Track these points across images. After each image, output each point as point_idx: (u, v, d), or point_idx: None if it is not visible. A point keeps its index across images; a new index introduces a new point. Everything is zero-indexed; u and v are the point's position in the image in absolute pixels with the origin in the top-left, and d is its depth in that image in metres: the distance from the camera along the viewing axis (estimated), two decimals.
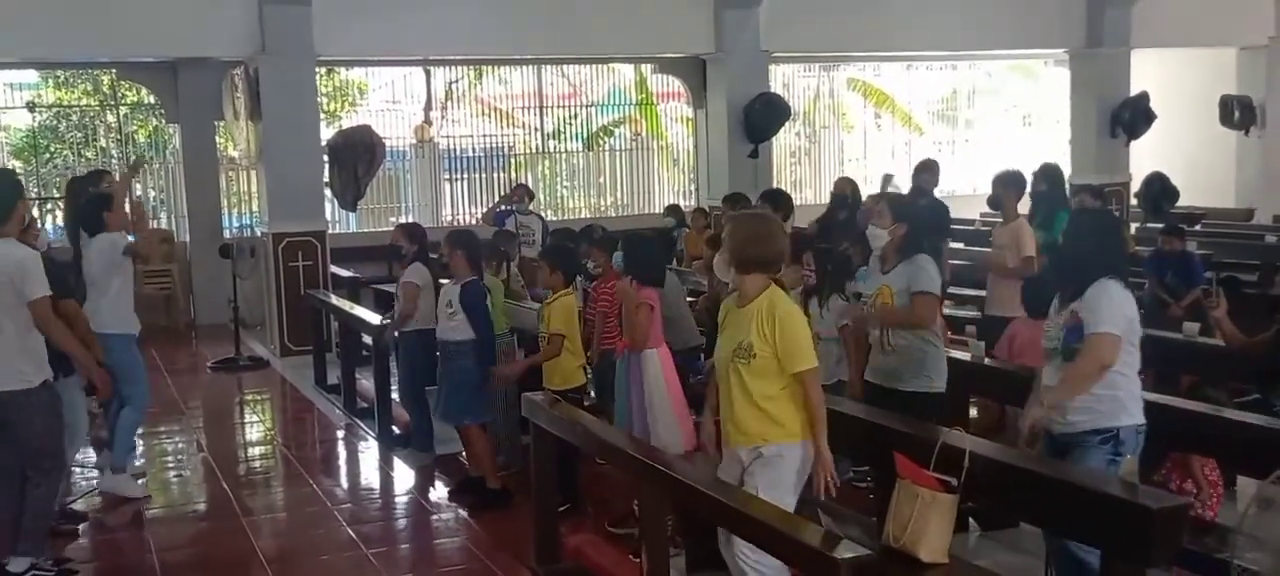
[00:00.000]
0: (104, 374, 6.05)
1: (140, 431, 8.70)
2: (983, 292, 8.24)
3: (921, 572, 4.10)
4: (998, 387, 6.50)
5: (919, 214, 5.63)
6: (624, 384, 6.18)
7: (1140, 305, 8.52)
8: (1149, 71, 15.93)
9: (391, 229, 8.62)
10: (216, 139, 14.43)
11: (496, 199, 12.67)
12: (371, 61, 15.46)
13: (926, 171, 9.79)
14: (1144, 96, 15.03)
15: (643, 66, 17.49)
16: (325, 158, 11.99)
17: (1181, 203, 13.32)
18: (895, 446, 4.46)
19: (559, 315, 6.52)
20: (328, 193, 12.48)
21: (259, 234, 12.25)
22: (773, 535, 3.63)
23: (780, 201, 8.67)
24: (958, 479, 4.23)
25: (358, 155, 11.93)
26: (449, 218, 16.58)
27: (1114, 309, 4.37)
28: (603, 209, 17.63)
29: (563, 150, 18.53)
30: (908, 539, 4.26)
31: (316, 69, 12.19)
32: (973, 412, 7.45)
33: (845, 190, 9.94)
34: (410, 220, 9.49)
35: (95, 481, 7.46)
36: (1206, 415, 5.12)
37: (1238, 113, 16.32)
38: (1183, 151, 15.96)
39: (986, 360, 6.64)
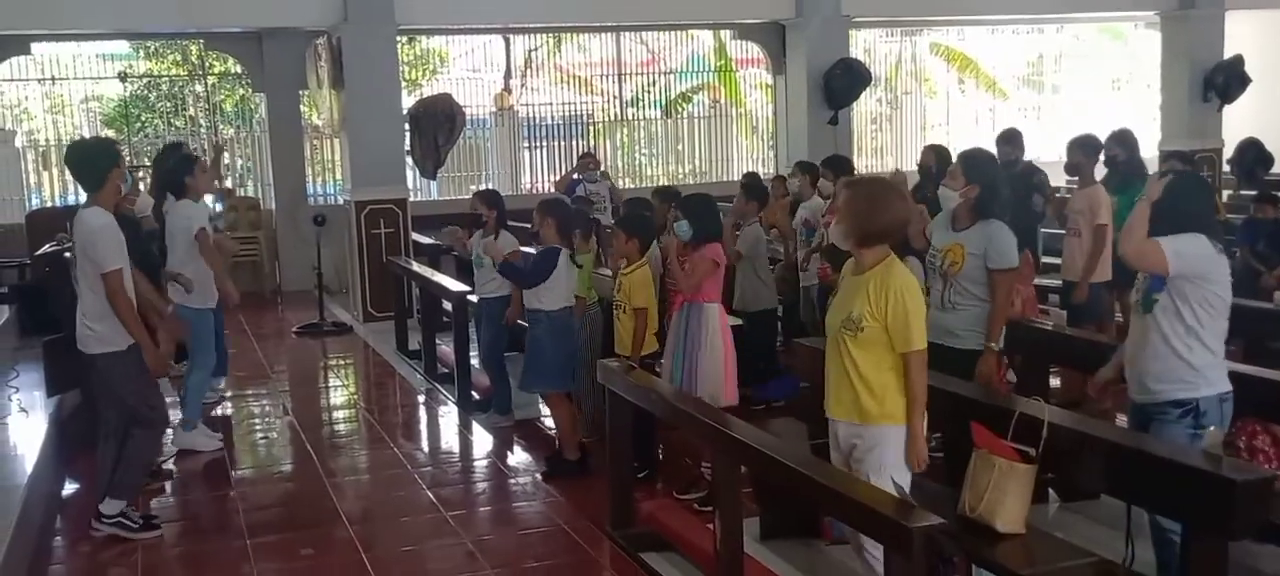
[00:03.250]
0: (159, 356, 6.02)
1: (227, 393, 8.97)
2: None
3: (998, 543, 4.06)
4: (1079, 357, 6.34)
5: (993, 175, 5.49)
6: (679, 337, 6.21)
7: (1232, 274, 8.34)
8: (1245, 33, 15.44)
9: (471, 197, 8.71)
10: (301, 108, 14.67)
11: (570, 167, 12.70)
12: (451, 30, 15.57)
13: (1009, 142, 9.29)
14: (1239, 60, 14.59)
15: (721, 33, 17.39)
16: (406, 126, 12.12)
17: (1276, 169, 12.94)
18: (971, 416, 4.41)
19: (640, 287, 6.53)
20: (409, 161, 12.63)
21: (342, 202, 12.44)
22: (844, 502, 3.62)
23: (843, 168, 8.60)
24: (1036, 449, 4.18)
25: (438, 123, 12.02)
26: (528, 186, 16.68)
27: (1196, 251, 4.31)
28: (681, 176, 17.60)
29: (641, 118, 18.52)
30: (984, 509, 4.23)
31: (397, 38, 12.32)
32: (1055, 382, 7.36)
33: (929, 161, 9.69)
34: (489, 187, 9.59)
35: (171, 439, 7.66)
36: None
37: None
38: (1276, 116, 15.45)
39: (1068, 330, 6.55)
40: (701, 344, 6.07)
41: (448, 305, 9.03)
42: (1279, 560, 4.65)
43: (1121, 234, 4.43)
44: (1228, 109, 14.81)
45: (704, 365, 6.03)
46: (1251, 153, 12.43)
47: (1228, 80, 14.52)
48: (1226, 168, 13.86)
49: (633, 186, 15.39)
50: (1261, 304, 6.80)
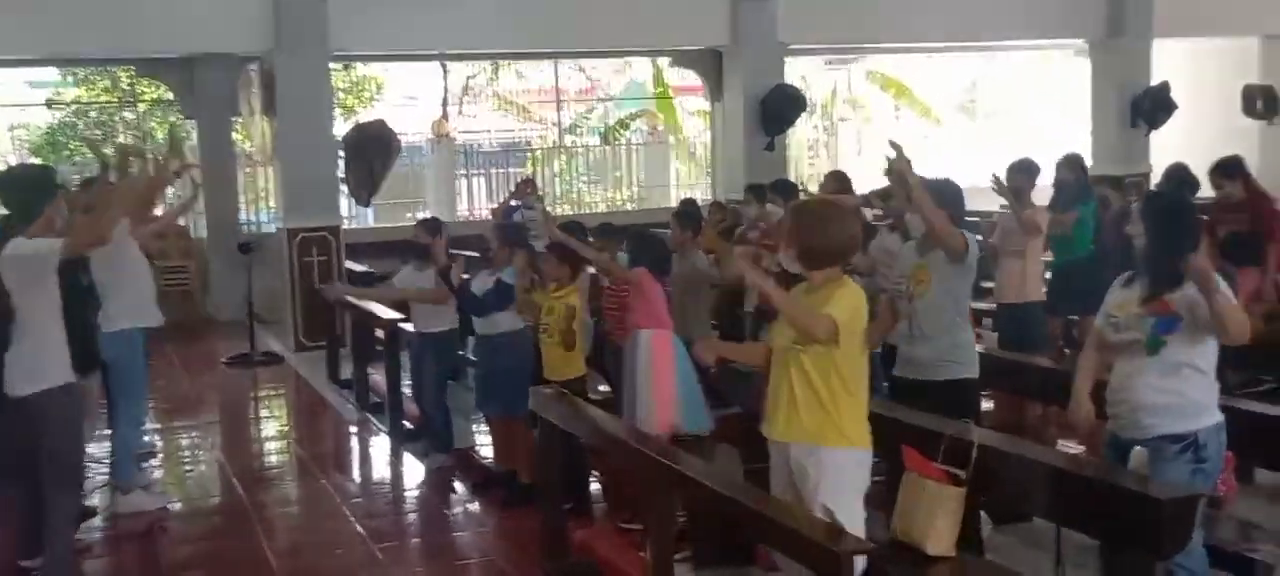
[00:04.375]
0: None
1: (150, 428, 8.71)
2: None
3: (928, 566, 4.04)
4: (1015, 381, 6.34)
5: (955, 195, 5.39)
6: (627, 367, 6.19)
7: None
8: (1170, 61, 15.75)
9: (412, 225, 8.62)
10: (233, 135, 14.47)
11: (508, 194, 12.61)
12: (386, 56, 15.47)
13: (1022, 172, 7.88)
14: (1165, 86, 14.86)
15: (660, 60, 17.44)
16: (340, 153, 11.99)
17: (1202, 193, 13.14)
18: (903, 438, 4.39)
19: (566, 309, 6.49)
20: (344, 188, 12.49)
21: (274, 230, 12.27)
22: (771, 527, 3.57)
23: (789, 192, 8.61)
24: (966, 471, 4.17)
25: (373, 150, 11.92)
26: (466, 213, 16.58)
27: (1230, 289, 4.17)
28: (619, 203, 17.61)
29: (579, 145, 18.51)
30: (915, 532, 4.21)
31: (332, 64, 12.20)
32: (987, 406, 7.40)
33: (831, 187, 9.58)
34: (429, 215, 9.45)
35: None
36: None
37: (1260, 103, 16.09)
38: (1204, 142, 15.67)
39: (1000, 353, 6.59)
40: (635, 372, 6.05)
41: (380, 333, 8.89)
42: None
43: (1235, 320, 4.09)
44: (1155, 134, 15.07)
45: (638, 392, 6.00)
46: (1178, 177, 12.57)
47: (1155, 106, 14.78)
48: None
49: (572, 213, 15.32)
50: None
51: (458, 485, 7.29)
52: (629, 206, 17.17)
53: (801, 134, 19.49)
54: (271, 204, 14.34)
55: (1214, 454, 4.17)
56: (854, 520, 3.97)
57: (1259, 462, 5.19)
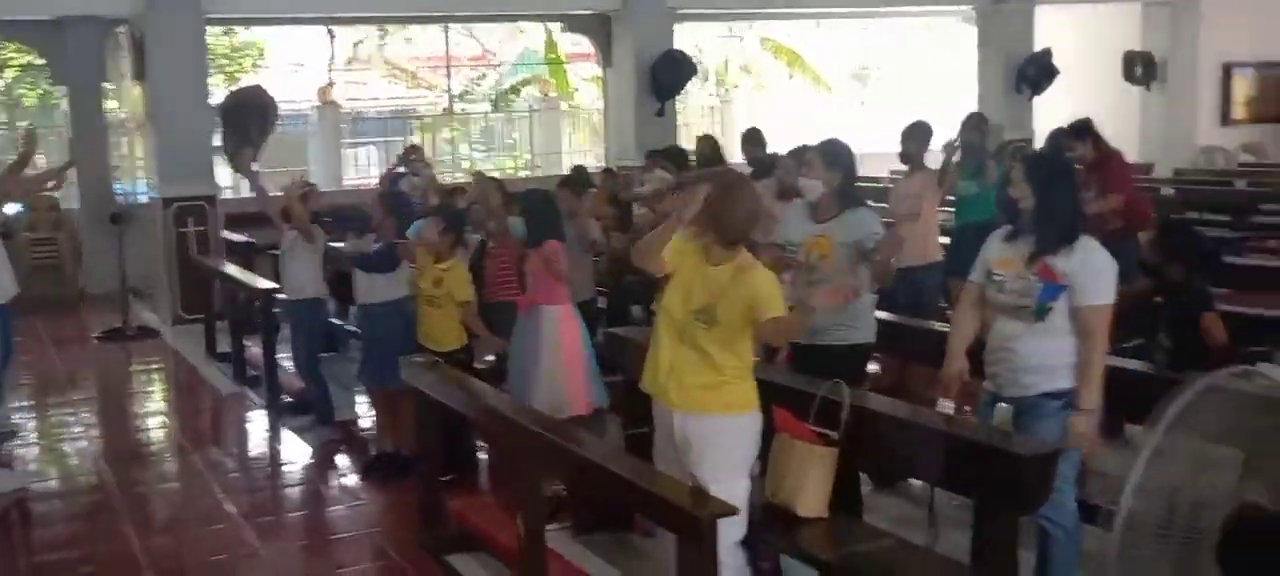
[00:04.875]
0: None
1: (16, 407, 8.36)
2: None
3: (799, 528, 4.02)
4: (904, 344, 6.30)
5: (850, 159, 5.27)
6: (520, 342, 6.07)
7: None
8: (1054, 27, 16.03)
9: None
10: (108, 102, 13.91)
11: (394, 161, 12.33)
12: (265, 20, 14.99)
13: (916, 136, 7.91)
14: (1047, 52, 15.14)
15: (552, 25, 17.23)
16: (216, 119, 11.58)
17: None
18: (775, 400, 4.34)
19: (463, 281, 6.34)
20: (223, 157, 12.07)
21: (148, 200, 11.84)
22: (640, 495, 3.50)
23: (679, 160, 8.52)
24: (837, 432, 4.16)
25: (250, 117, 11.52)
26: (353, 181, 16.22)
27: (1111, 279, 4.15)
28: (512, 171, 17.41)
29: (471, 112, 18.24)
30: (785, 494, 4.19)
31: (210, 28, 11.77)
32: (872, 368, 7.42)
33: (704, 150, 9.46)
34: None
35: None
36: None
37: (1140, 68, 16.52)
38: (1086, 107, 15.94)
39: (885, 315, 6.56)
40: (539, 350, 5.91)
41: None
42: (1097, 538, 4.71)
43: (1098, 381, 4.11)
44: (1038, 100, 15.34)
45: (544, 372, 5.86)
46: (1058, 141, 12.85)
47: (1038, 72, 15.05)
48: None
49: (462, 181, 15.05)
50: None
51: (339, 458, 7.12)
52: (523, 173, 16.98)
53: (696, 100, 19.45)
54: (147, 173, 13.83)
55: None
56: (735, 488, 3.91)
57: (1128, 418, 5.25)
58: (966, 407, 4.52)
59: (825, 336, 5.11)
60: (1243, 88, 17.53)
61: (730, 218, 3.94)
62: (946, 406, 4.30)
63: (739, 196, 3.99)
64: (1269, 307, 6.88)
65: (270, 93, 11.99)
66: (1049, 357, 4.13)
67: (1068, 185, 4.29)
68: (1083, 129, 8.28)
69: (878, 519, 5.39)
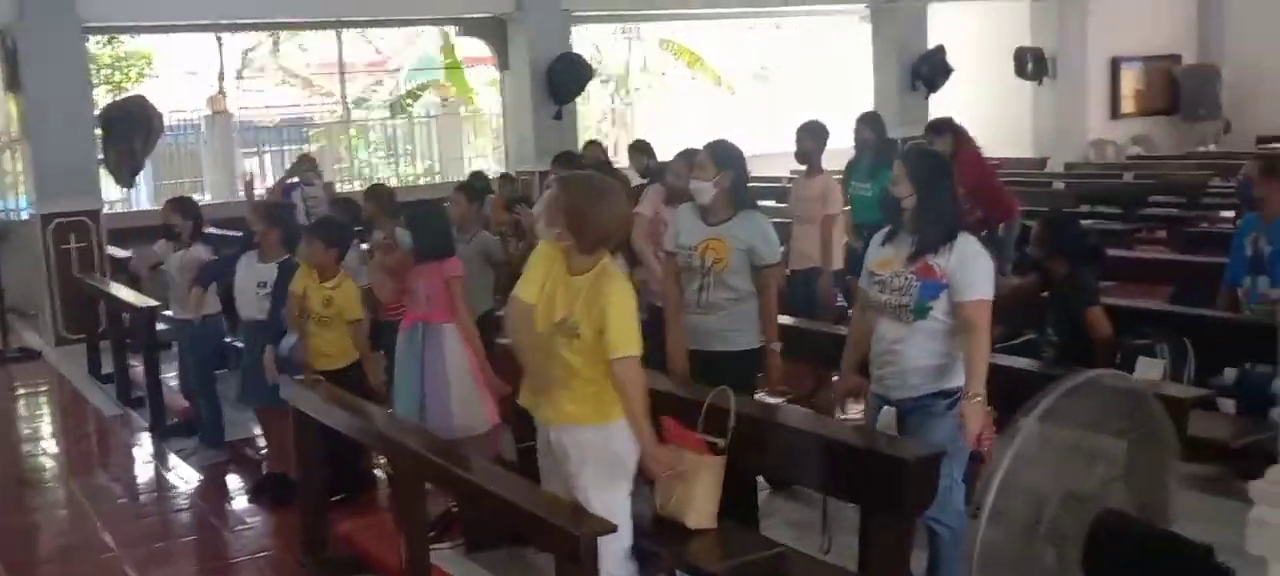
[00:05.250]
0: None
1: None
2: None
3: (687, 540, 3.93)
4: (808, 349, 6.16)
5: (740, 159, 5.14)
6: (408, 359, 5.85)
7: None
8: (947, 25, 16.26)
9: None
10: None
11: (286, 171, 12.01)
12: (147, 28, 14.51)
13: (811, 134, 7.68)
14: (940, 49, 15.34)
15: (449, 29, 17.01)
16: (97, 131, 11.20)
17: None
18: (663, 409, 4.25)
19: (354, 299, 6.13)
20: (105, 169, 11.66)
21: (27, 217, 11.40)
22: (514, 511, 3.39)
23: (572, 164, 8.41)
24: (724, 440, 4.08)
25: (134, 127, 11.18)
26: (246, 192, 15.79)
27: (988, 272, 4.14)
28: (412, 177, 17.15)
29: (369, 118, 17.93)
30: (675, 505, 4.10)
31: (92, 37, 11.35)
32: None
33: (593, 155, 9.16)
34: (182, 195, 8.68)
35: None
36: None
37: (1031, 64, 16.81)
38: (980, 103, 16.32)
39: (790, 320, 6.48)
40: (445, 370, 5.67)
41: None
42: None
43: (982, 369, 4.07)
44: (934, 97, 15.53)
45: (455, 391, 5.63)
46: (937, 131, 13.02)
47: (932, 69, 15.24)
48: None
49: (360, 190, 14.77)
50: None
51: (226, 481, 6.88)
52: (423, 181, 16.72)
53: (598, 104, 19.37)
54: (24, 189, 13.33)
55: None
56: (616, 498, 3.81)
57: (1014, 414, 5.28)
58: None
59: (716, 342, 5.05)
60: (1131, 81, 17.96)
61: (592, 223, 3.76)
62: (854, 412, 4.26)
63: (602, 201, 3.80)
64: (1156, 299, 7.03)
65: (154, 103, 11.70)
66: (934, 357, 4.10)
67: (948, 182, 4.26)
68: (942, 125, 8.69)
69: (774, 524, 5.35)
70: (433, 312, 5.73)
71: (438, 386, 5.64)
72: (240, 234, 8.36)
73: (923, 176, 4.21)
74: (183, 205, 7.50)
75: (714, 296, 4.99)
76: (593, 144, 9.38)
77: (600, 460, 3.82)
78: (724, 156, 5.09)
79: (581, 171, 7.56)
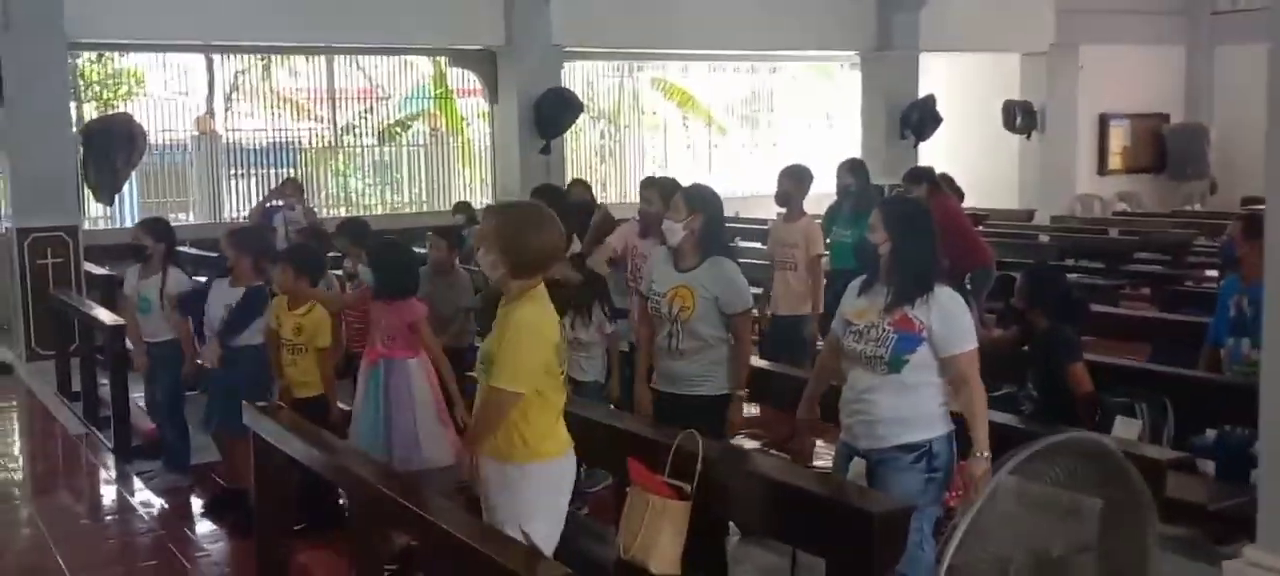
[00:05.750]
0: None
1: None
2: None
3: None
4: (789, 396, 6.10)
5: (715, 203, 5.11)
6: (371, 393, 5.70)
7: None
8: (937, 75, 16.30)
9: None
10: None
11: (267, 194, 11.91)
12: (139, 46, 14.45)
13: (792, 178, 7.71)
14: (931, 99, 15.35)
15: (441, 60, 16.98)
16: (79, 147, 11.10)
17: (967, 204, 13.58)
18: (632, 451, 4.17)
19: (324, 327, 6.03)
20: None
21: (3, 230, 11.28)
22: (468, 554, 3.28)
23: (554, 198, 8.31)
24: (691, 485, 3.98)
25: (116, 145, 11.10)
26: (231, 214, 15.70)
27: (970, 323, 4.10)
28: (398, 205, 17.08)
29: (357, 145, 17.85)
30: (637, 549, 4.00)
31: (87, 55, 11.27)
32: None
33: (577, 193, 8.96)
34: (155, 216, 8.51)
35: None
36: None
37: (1020, 117, 16.86)
38: (969, 153, 16.36)
39: (766, 364, 6.38)
40: (408, 404, 5.58)
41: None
42: None
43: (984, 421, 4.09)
44: (922, 146, 15.54)
45: (422, 425, 5.56)
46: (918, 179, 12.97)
47: (922, 118, 15.24)
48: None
49: (345, 215, 14.68)
50: None
51: (187, 506, 6.74)
52: (409, 209, 16.65)
53: (588, 140, 19.34)
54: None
55: (945, 462, 4.10)
56: (544, 536, 3.76)
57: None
58: None
59: (686, 386, 5.01)
60: (1119, 138, 18.02)
61: (518, 249, 3.77)
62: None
63: (530, 229, 3.81)
64: (1137, 357, 6.95)
65: (138, 121, 11.62)
66: (904, 410, 4.03)
67: (924, 232, 4.19)
68: (919, 174, 8.74)
69: (743, 571, 5.28)
70: (393, 349, 5.65)
71: (404, 420, 5.56)
72: (218, 255, 8.28)
73: (898, 225, 4.15)
74: (154, 227, 7.32)
75: (683, 343, 4.98)
76: (578, 182, 9.29)
77: (514, 498, 3.79)
78: (698, 200, 5.06)
79: (515, 200, 7.49)
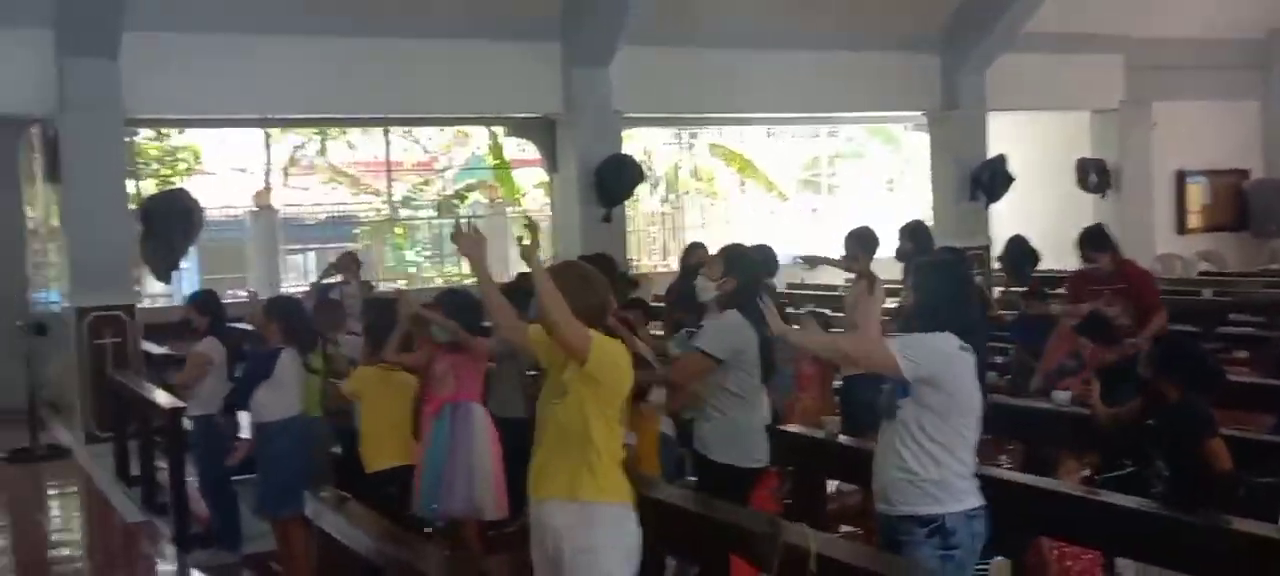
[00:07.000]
0: None
1: None
2: None
3: None
4: (858, 469, 5.70)
5: (752, 268, 5.03)
6: (437, 440, 5.57)
7: (1006, 372, 7.95)
8: (1006, 134, 15.85)
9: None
10: (25, 206, 13.21)
11: (326, 267, 11.71)
12: (196, 122, 14.42)
13: (856, 240, 7.67)
14: (1001, 159, 14.90)
15: (497, 129, 16.84)
16: (138, 224, 10.96)
17: (1042, 265, 13.09)
18: (730, 546, 3.78)
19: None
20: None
21: (60, 309, 11.13)
22: None
23: (607, 267, 8.04)
24: None
25: (174, 220, 10.95)
26: (289, 289, 15.55)
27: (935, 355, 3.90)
28: (457, 277, 16.87)
29: (415, 218, 17.75)
30: None
31: (145, 132, 11.17)
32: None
33: (694, 259, 8.98)
34: (204, 291, 8.33)
35: None
36: (1077, 497, 4.54)
37: (1093, 176, 16.35)
38: (1042, 214, 15.85)
39: (844, 438, 5.98)
40: (470, 444, 5.51)
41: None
42: None
43: (850, 337, 4.07)
44: (994, 207, 15.08)
45: (479, 470, 5.49)
46: (1018, 249, 12.48)
47: (993, 178, 14.79)
48: (996, 265, 14.00)
49: (407, 288, 14.46)
50: (1035, 404, 6.42)
51: None
52: (468, 281, 16.44)
53: (647, 207, 19.11)
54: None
55: (966, 541, 3.83)
56: None
57: (1128, 553, 4.69)
58: None
59: (709, 449, 4.94)
60: (1197, 196, 17.44)
61: (571, 300, 3.76)
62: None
63: (577, 283, 3.89)
64: (1249, 427, 6.39)
65: (196, 197, 11.48)
66: (904, 475, 3.85)
67: (945, 288, 4.10)
68: (1101, 237, 7.66)
69: None
70: (459, 392, 5.59)
71: (466, 461, 5.50)
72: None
73: (923, 283, 4.13)
74: (201, 301, 7.31)
75: (709, 403, 4.95)
76: (696, 246, 9.05)
77: (601, 542, 3.70)
78: (735, 262, 5.02)
79: (572, 261, 7.34)
